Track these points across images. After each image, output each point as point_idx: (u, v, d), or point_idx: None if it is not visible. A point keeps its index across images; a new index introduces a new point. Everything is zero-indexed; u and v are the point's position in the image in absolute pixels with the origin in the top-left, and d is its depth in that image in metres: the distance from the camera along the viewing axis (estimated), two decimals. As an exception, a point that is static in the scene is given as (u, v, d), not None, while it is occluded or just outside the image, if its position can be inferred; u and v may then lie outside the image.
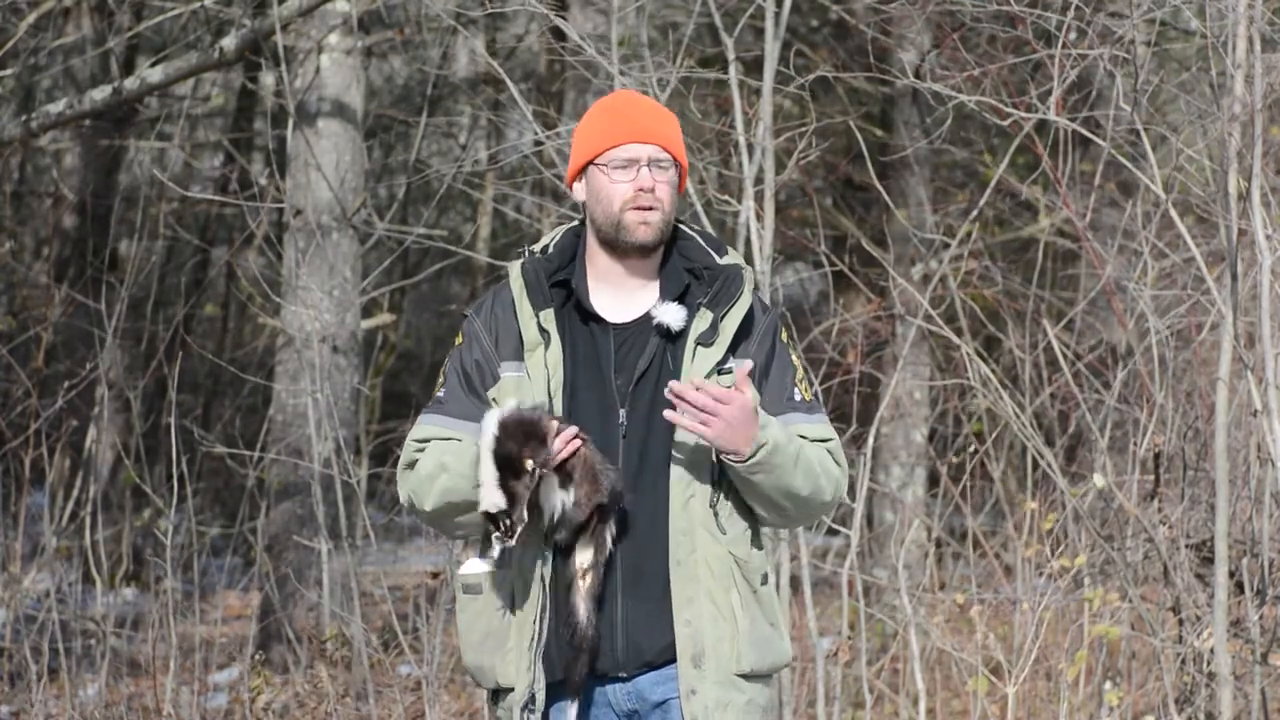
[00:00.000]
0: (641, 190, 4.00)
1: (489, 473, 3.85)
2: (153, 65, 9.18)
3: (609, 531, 3.94)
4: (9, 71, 11.15)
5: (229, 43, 8.78)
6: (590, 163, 4.05)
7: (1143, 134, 6.47)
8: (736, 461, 3.91)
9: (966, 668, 7.51)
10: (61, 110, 8.91)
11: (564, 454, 3.87)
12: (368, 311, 10.44)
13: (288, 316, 9.48)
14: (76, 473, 9.80)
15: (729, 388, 3.90)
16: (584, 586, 3.94)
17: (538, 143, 7.64)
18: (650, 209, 4.00)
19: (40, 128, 8.97)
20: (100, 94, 8.84)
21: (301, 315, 9.23)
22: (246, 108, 15.52)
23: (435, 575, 7.75)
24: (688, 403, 3.86)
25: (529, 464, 3.84)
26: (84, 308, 10.88)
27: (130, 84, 8.83)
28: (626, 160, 4.01)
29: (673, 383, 3.88)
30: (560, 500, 3.91)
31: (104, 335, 9.20)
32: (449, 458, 3.96)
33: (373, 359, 13.61)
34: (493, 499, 3.85)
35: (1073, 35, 6.83)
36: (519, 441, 3.83)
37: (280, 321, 9.63)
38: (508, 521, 3.86)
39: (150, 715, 7.74)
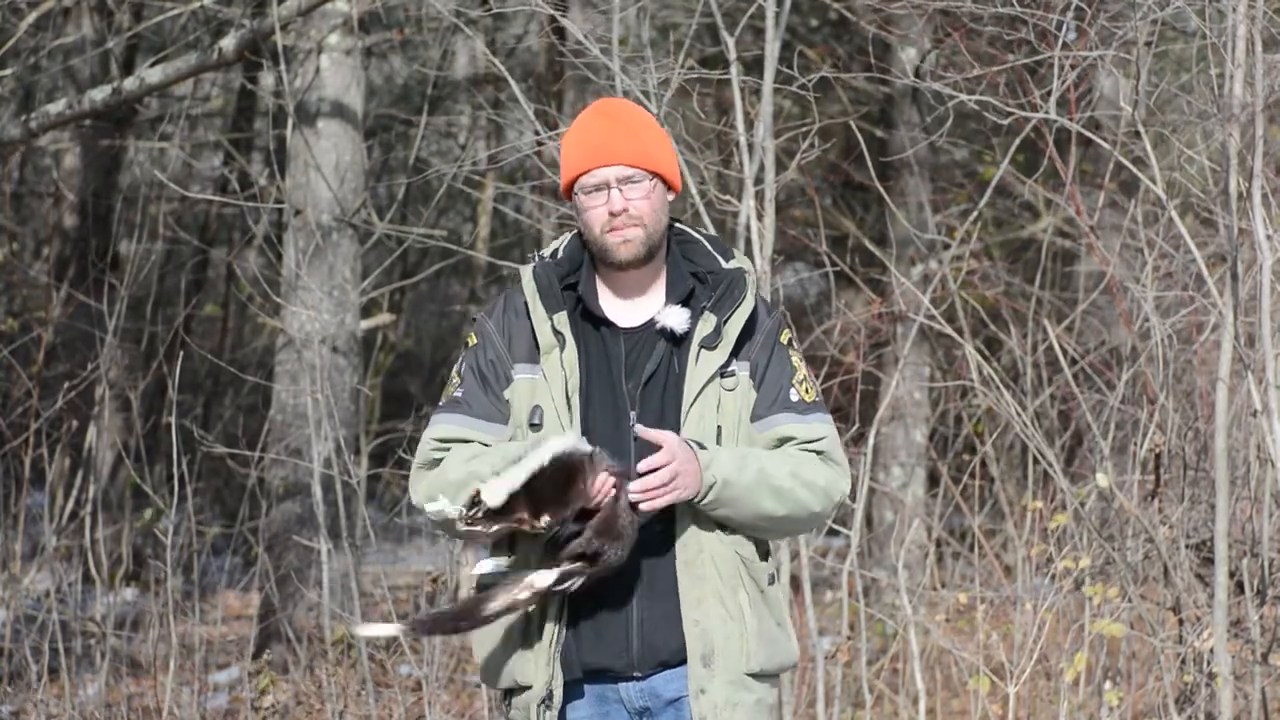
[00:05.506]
0: (612, 214, 4.02)
1: (515, 480, 3.84)
2: (152, 65, 9.16)
3: (576, 582, 3.92)
4: (9, 71, 11.15)
5: (228, 43, 8.76)
6: (571, 186, 4.09)
7: (1144, 134, 6.47)
8: (695, 503, 3.94)
9: (967, 667, 7.50)
10: (61, 110, 8.90)
11: (593, 504, 3.87)
12: (368, 311, 10.43)
13: (287, 317, 9.47)
14: (76, 473, 9.78)
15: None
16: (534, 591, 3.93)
17: (538, 143, 7.63)
18: (628, 227, 4.02)
19: (40, 128, 8.96)
20: (100, 94, 8.83)
21: (301, 315, 9.23)
22: (246, 108, 15.51)
23: (435, 580, 7.73)
24: (651, 488, 3.87)
25: (542, 520, 3.86)
26: (84, 308, 10.88)
27: (130, 84, 8.82)
28: (595, 186, 4.03)
29: (632, 486, 3.87)
30: (571, 526, 3.92)
31: (104, 335, 9.20)
32: (481, 465, 3.94)
33: (373, 359, 13.61)
34: (496, 497, 3.84)
35: (1073, 36, 6.82)
36: (554, 488, 3.84)
37: (280, 322, 9.62)
38: (479, 514, 3.84)
39: (150, 715, 7.73)
